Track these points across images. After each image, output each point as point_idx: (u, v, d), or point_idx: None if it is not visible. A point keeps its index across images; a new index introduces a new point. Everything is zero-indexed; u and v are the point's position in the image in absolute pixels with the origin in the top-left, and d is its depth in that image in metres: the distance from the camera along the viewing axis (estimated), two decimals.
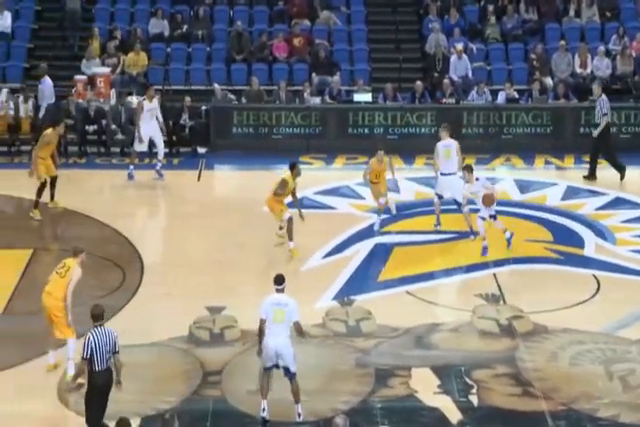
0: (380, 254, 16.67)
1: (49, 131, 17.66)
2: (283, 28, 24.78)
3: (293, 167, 16.28)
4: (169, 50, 24.31)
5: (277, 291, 11.81)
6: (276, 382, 11.93)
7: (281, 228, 16.56)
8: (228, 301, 14.78)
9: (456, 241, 16.91)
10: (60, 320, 12.60)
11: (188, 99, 22.01)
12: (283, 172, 16.57)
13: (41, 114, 21.52)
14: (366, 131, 22.15)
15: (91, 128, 21.62)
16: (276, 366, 11.75)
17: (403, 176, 20.03)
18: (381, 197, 17.13)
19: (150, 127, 19.71)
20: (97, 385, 10.90)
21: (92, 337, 10.86)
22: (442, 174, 17.34)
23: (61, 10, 24.82)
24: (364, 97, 22.64)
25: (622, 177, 20.13)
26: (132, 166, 19.76)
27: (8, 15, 24.12)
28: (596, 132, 20.13)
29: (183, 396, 12.45)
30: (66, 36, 24.56)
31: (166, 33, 24.49)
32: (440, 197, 17.35)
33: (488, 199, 16.09)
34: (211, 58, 24.38)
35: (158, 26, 24.52)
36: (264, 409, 11.71)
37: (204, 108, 22.22)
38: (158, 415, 11.69)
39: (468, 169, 16.29)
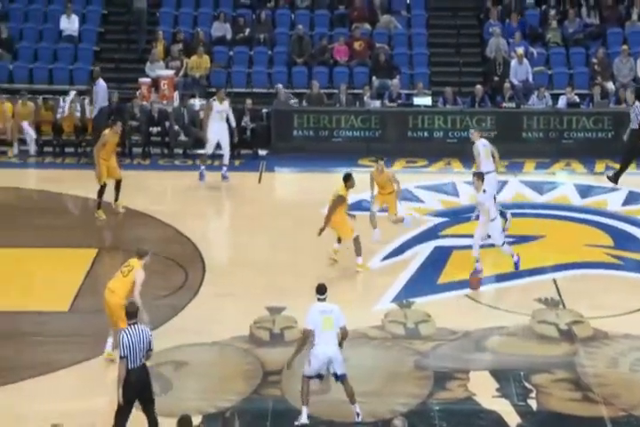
0: (439, 258, 16.62)
1: (106, 131, 17.77)
2: (343, 32, 24.84)
3: (348, 179, 16.02)
4: (231, 53, 24.47)
5: (320, 300, 11.80)
6: (332, 380, 11.98)
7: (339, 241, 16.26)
8: (288, 301, 14.82)
9: (515, 245, 16.81)
10: (120, 317, 12.78)
11: (249, 101, 22.16)
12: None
13: (93, 115, 21.60)
14: (426, 134, 22.11)
15: (154, 130, 21.84)
16: (320, 376, 11.74)
17: (462, 180, 20.04)
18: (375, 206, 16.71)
19: (219, 129, 19.83)
20: (131, 382, 10.94)
21: (125, 336, 10.91)
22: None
23: (127, 13, 25.10)
24: (423, 100, 22.62)
25: (616, 178, 19.53)
26: (202, 167, 19.82)
27: (75, 19, 24.45)
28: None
29: (244, 395, 12.51)
30: (131, 39, 24.83)
31: (229, 36, 24.65)
32: None
33: (473, 282, 15.28)
34: (272, 61, 24.50)
35: (221, 29, 24.70)
36: (306, 416, 11.66)
37: (265, 110, 22.34)
38: (219, 413, 11.82)
39: (479, 176, 15.66)
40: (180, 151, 21.89)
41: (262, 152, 21.93)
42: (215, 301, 14.98)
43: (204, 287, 15.46)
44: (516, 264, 15.70)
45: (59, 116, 21.80)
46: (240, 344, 13.74)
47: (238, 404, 12.26)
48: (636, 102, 20.20)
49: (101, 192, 17.73)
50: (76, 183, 18.98)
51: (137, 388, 10.95)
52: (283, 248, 16.89)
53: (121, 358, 10.89)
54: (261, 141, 22.03)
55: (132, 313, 11.12)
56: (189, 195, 19.61)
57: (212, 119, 19.76)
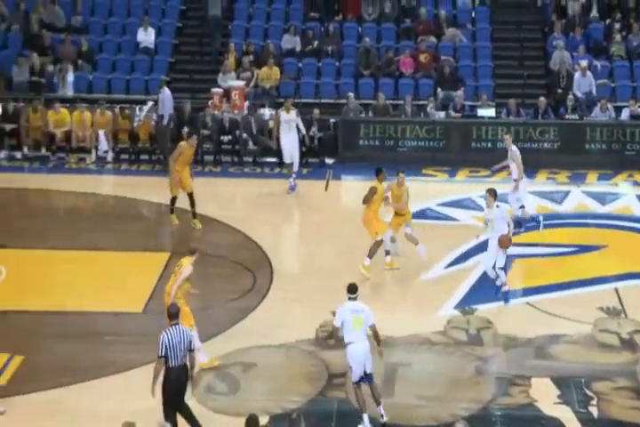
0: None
1: (183, 142, 17.77)
2: (409, 45, 24.79)
3: (379, 173, 16.11)
4: (300, 64, 24.55)
5: (350, 299, 11.80)
6: (396, 384, 11.92)
7: (387, 253, 16.21)
8: None
9: (577, 254, 16.60)
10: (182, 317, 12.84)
11: (317, 111, 22.20)
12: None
13: (164, 122, 21.72)
14: (489, 145, 21.94)
15: (225, 138, 21.98)
16: (365, 375, 11.64)
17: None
18: (407, 227, 16.23)
19: (288, 139, 19.90)
20: (171, 380, 11.01)
21: (166, 336, 10.99)
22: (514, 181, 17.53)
23: (201, 26, 25.32)
24: (487, 112, 22.47)
25: None
26: (292, 177, 19.79)
27: (152, 31, 24.72)
28: None
29: (309, 396, 12.52)
30: (204, 51, 25.02)
31: (298, 48, 24.74)
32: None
33: (504, 242, 14.78)
34: (340, 72, 24.52)
35: (291, 42, 24.80)
36: (368, 421, 11.57)
37: (332, 120, 22.37)
38: (285, 414, 11.81)
39: (492, 193, 15.17)
40: (250, 159, 21.97)
41: (329, 161, 21.95)
42: (282, 304, 15.00)
43: (271, 291, 15.49)
44: (506, 295, 14.92)
45: (135, 124, 22.03)
46: (306, 347, 13.74)
47: (304, 405, 12.26)
48: None
49: (173, 201, 17.77)
50: (151, 189, 19.15)
51: (177, 386, 11.04)
52: (348, 255, 16.86)
53: (159, 357, 10.98)
54: (328, 150, 22.05)
55: (173, 314, 11.21)
56: (258, 201, 19.68)
57: (282, 129, 19.83)
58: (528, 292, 15.38)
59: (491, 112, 22.52)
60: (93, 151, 21.82)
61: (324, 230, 17.97)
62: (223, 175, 21.16)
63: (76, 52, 24.16)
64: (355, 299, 11.81)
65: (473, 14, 25.89)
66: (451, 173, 21.26)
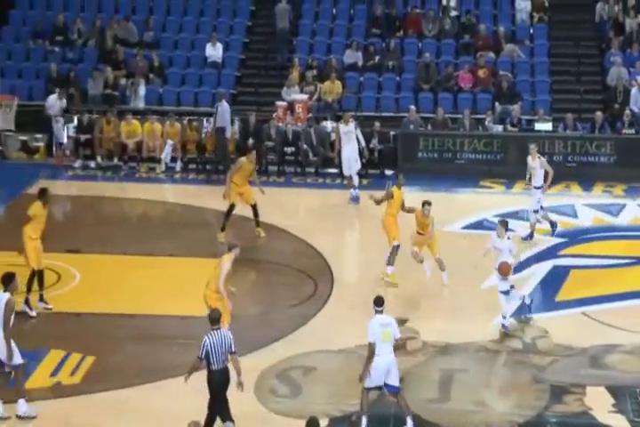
0: (558, 276, 16.35)
1: (242, 158, 17.80)
2: (468, 60, 24.72)
3: (397, 176, 16.48)
4: (362, 79, 24.60)
5: (378, 312, 11.68)
6: (452, 390, 11.85)
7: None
8: (411, 313, 14.81)
9: (633, 267, 16.39)
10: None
11: (377, 124, 22.24)
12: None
13: (228, 134, 21.79)
14: (546, 158, 21.67)
15: (288, 150, 22.08)
16: (379, 387, 11.63)
17: (581, 202, 19.71)
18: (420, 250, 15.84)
19: (346, 150, 19.96)
20: (213, 381, 11.11)
21: (207, 339, 11.08)
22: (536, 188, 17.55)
23: (267, 42, 25.51)
24: (544, 126, 22.35)
25: None
26: (353, 190, 19.79)
27: (220, 46, 24.96)
28: None
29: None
30: (269, 65, 25.19)
31: (360, 63, 24.80)
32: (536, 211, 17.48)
33: (504, 269, 14.26)
34: (400, 87, 24.53)
35: (353, 57, 24.87)
36: (366, 425, 11.59)
37: (392, 133, 22.38)
38: (345, 417, 11.82)
39: (503, 224, 14.72)
40: (312, 170, 22.04)
41: (389, 172, 21.92)
42: (342, 311, 15.03)
43: (332, 298, 15.53)
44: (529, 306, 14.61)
45: (203, 136, 22.23)
46: (364, 352, 13.68)
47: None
48: None
49: (229, 214, 17.60)
50: (217, 199, 19.16)
51: (218, 387, 11.11)
52: (406, 263, 16.83)
53: (199, 358, 11.08)
54: (388, 162, 22.05)
55: (214, 319, 11.28)
56: (320, 211, 19.73)
57: (342, 141, 19.92)
58: (584, 302, 15.22)
59: (548, 126, 22.39)
60: (163, 161, 22.05)
61: (383, 240, 17.90)
62: (286, 185, 21.25)
63: (148, 67, 24.48)
64: (381, 312, 11.71)
65: (531, 31, 25.73)
66: (507, 185, 21.12)
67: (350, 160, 19.99)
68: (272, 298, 15.44)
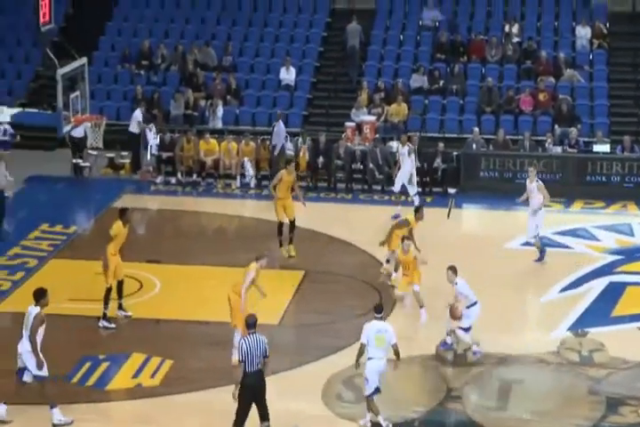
0: (614, 292, 16.12)
1: (282, 170, 17.82)
2: (529, 84, 24.57)
3: (418, 210, 16.48)
4: (427, 101, 24.59)
5: (376, 318, 11.89)
6: (510, 400, 11.74)
7: (387, 261, 16.54)
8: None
9: None
10: (234, 312, 13.34)
11: (441, 144, 22.19)
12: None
13: (275, 153, 21.95)
14: (604, 179, 21.51)
15: (356, 168, 22.11)
16: (378, 389, 11.75)
17: (637, 221, 19.45)
18: (415, 286, 15.24)
19: (404, 170, 19.99)
20: (247, 384, 11.12)
21: (244, 343, 11.17)
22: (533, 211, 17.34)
23: (336, 66, 25.66)
24: (602, 147, 22.11)
25: None
26: (397, 207, 19.86)
27: (293, 70, 25.17)
28: None
29: (428, 407, 12.49)
30: (339, 88, 25.31)
31: (425, 87, 24.79)
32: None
33: (454, 312, 13.82)
34: (463, 109, 24.46)
35: (419, 80, 24.87)
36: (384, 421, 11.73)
37: (455, 153, 22.31)
38: (406, 423, 11.81)
39: (452, 269, 14.10)
40: (379, 187, 22.05)
41: (451, 190, 21.86)
42: (405, 322, 14.98)
43: (395, 309, 15.47)
44: (475, 353, 13.77)
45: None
46: (426, 362, 13.70)
47: (424, 415, 12.22)
48: None
49: (279, 229, 17.54)
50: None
51: (253, 390, 11.11)
52: (467, 275, 16.70)
53: (240, 362, 11.15)
54: (451, 181, 21.97)
55: (250, 324, 11.38)
56: (385, 226, 19.60)
57: (401, 161, 19.99)
58: (639, 317, 14.97)
59: (606, 148, 22.14)
60: (238, 178, 22.27)
61: (444, 254, 17.80)
62: (354, 202, 21.27)
63: (226, 89, 24.76)
64: (380, 319, 11.90)
65: (591, 57, 25.48)
66: (566, 203, 20.92)
67: (402, 179, 19.97)
68: (338, 308, 15.45)
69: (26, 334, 11.88)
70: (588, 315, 15.22)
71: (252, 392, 11.12)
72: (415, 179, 20.16)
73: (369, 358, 11.82)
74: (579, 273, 16.81)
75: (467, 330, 13.76)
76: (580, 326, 14.79)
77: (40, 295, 12.11)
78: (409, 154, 20.11)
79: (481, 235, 19.42)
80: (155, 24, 27.02)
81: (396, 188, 20.22)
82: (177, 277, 16.58)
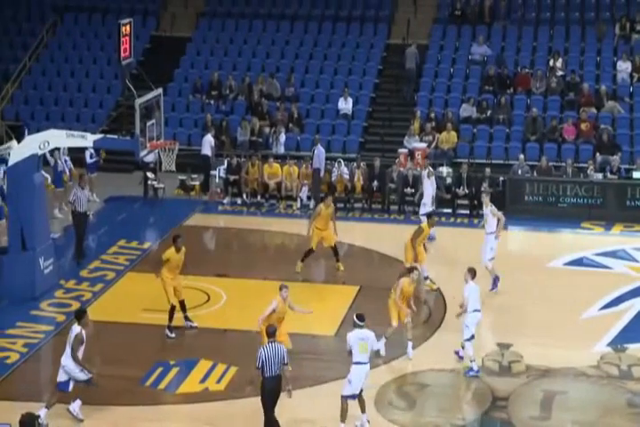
0: None
1: (320, 205, 17.76)
2: (572, 115, 24.38)
3: (430, 217, 16.76)
4: (475, 130, 24.53)
5: (358, 326, 11.97)
6: (553, 411, 11.59)
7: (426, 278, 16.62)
8: (515, 339, 14.62)
9: None
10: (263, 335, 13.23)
11: (488, 170, 22.09)
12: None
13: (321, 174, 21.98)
14: None
15: (408, 191, 22.11)
16: (354, 396, 11.77)
17: None
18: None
19: (426, 193, 20.04)
20: (266, 389, 11.34)
21: (262, 351, 11.40)
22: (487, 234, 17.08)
23: (391, 96, 25.74)
24: None
25: None
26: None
27: (350, 100, 25.31)
28: None
29: (475, 415, 12.41)
30: (393, 117, 25.37)
31: (474, 116, 24.75)
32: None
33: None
34: (509, 138, 24.35)
35: (467, 110, 24.84)
36: None
37: (501, 178, 22.17)
38: None
39: (471, 272, 13.95)
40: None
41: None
42: (454, 335, 14.87)
43: (444, 323, 15.41)
44: (470, 370, 13.37)
45: (333, 178, 22.49)
46: (472, 373, 13.59)
47: (470, 423, 12.14)
48: None
49: (307, 253, 17.44)
50: (344, 232, 19.20)
51: (272, 393, 11.32)
52: (512, 292, 16.63)
53: (257, 368, 11.38)
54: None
55: (270, 333, 11.66)
56: (434, 245, 19.58)
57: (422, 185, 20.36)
58: None
59: None
60: (299, 199, 22.39)
61: (484, 270, 17.76)
62: (406, 222, 21.15)
63: (288, 117, 24.96)
64: (362, 327, 11.93)
65: (631, 89, 25.23)
66: (606, 226, 20.67)
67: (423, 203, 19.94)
68: (388, 322, 15.39)
69: (68, 349, 12.03)
70: (627, 331, 15.00)
71: (272, 395, 11.37)
72: (431, 200, 19.96)
73: (355, 363, 11.88)
74: (618, 292, 16.57)
75: (469, 340, 13.53)
76: (619, 341, 14.59)
77: (81, 315, 12.21)
78: (428, 177, 20.05)
79: (525, 254, 19.28)
80: (224, 58, 27.39)
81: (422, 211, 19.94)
82: (242, 290, 16.70)
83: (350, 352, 11.92)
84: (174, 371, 13.60)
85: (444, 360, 13.92)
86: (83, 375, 12.04)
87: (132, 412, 12.45)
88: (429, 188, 20.10)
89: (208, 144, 22.88)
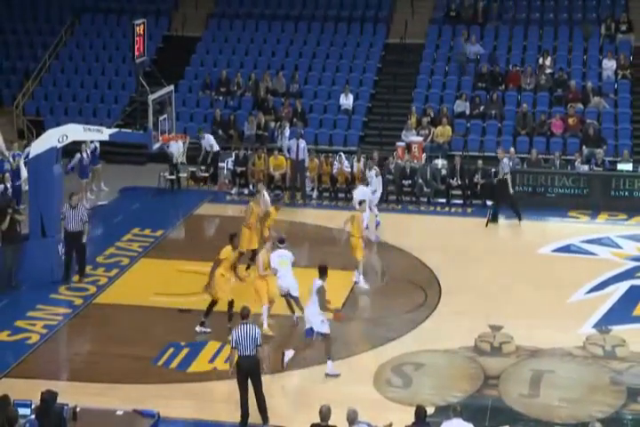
0: (635, 294, 15.80)
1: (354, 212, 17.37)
2: (560, 110, 24.26)
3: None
4: (468, 125, 24.42)
5: (280, 248, 13.91)
6: (541, 388, 11.56)
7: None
8: (506, 322, 14.57)
9: None
10: (219, 287, 14.04)
11: (480, 162, 21.96)
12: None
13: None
14: (626, 194, 21.09)
15: (405, 182, 22.03)
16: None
17: None
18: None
19: (377, 193, 19.80)
20: (240, 367, 11.28)
21: (235, 331, 11.31)
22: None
23: (389, 93, 25.62)
24: (626, 166, 21.71)
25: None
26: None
27: (351, 97, 25.19)
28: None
29: (468, 393, 12.38)
30: (391, 112, 25.26)
31: (467, 112, 24.64)
32: None
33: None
34: (501, 132, 24.25)
35: (461, 106, 24.73)
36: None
37: (493, 170, 22.02)
38: (448, 406, 11.68)
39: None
40: (425, 200, 21.92)
41: (489, 203, 21.63)
42: (448, 318, 14.89)
43: (439, 306, 15.38)
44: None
45: (335, 170, 22.40)
46: (466, 353, 13.59)
47: (464, 400, 12.11)
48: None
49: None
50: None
51: (245, 372, 11.24)
52: (502, 278, 16.61)
53: (232, 348, 11.32)
54: (489, 194, 21.75)
55: (244, 315, 11.54)
56: (430, 233, 19.60)
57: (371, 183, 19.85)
58: None
59: (629, 166, 21.74)
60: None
61: (483, 257, 17.75)
62: (403, 212, 21.16)
63: (292, 113, 24.86)
64: (284, 248, 14.09)
65: (616, 86, 25.10)
66: (592, 215, 20.59)
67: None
68: (388, 305, 15.40)
69: (312, 299, 12.61)
70: (612, 314, 14.95)
71: (244, 373, 11.29)
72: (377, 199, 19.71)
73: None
74: (604, 277, 16.52)
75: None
76: (604, 323, 14.54)
77: (324, 271, 12.93)
78: (376, 176, 19.86)
79: (516, 242, 19.22)
80: (232, 56, 27.27)
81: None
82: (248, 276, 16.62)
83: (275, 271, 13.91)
84: (185, 351, 13.57)
85: (438, 341, 13.89)
86: (324, 327, 12.49)
87: (144, 389, 12.43)
88: (380, 187, 19.88)
89: (208, 144, 22.78)
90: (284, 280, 14.10)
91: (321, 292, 12.63)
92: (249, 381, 11.37)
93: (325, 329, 12.57)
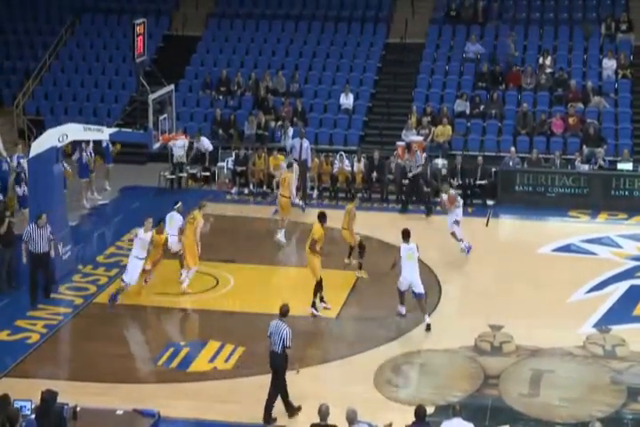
0: (635, 294, 15.80)
1: (350, 206, 17.46)
2: (560, 110, 24.23)
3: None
4: (468, 124, 24.38)
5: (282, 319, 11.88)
6: (541, 388, 11.55)
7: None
8: (506, 321, 14.56)
9: None
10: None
11: (480, 158, 21.97)
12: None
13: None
14: (626, 193, 21.09)
15: (405, 182, 22.00)
16: None
17: None
18: None
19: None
20: (272, 365, 11.50)
21: (270, 325, 11.58)
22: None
23: (390, 92, 25.60)
24: (626, 166, 21.70)
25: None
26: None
27: (351, 96, 25.17)
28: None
29: (468, 392, 12.38)
30: (392, 112, 25.25)
31: (467, 111, 24.62)
32: None
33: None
34: (501, 131, 24.22)
35: (461, 105, 24.71)
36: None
37: (493, 169, 22.07)
38: (448, 406, 11.69)
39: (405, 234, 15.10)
40: (425, 198, 21.87)
41: (490, 202, 21.65)
42: (448, 317, 14.88)
43: (439, 306, 15.35)
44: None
45: (335, 169, 22.40)
46: (466, 353, 13.60)
47: (464, 399, 12.11)
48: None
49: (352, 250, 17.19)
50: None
51: (270, 367, 11.48)
52: (503, 278, 16.60)
53: (287, 348, 11.43)
54: (489, 193, 21.76)
55: (283, 313, 11.67)
56: (430, 232, 19.55)
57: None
58: None
59: (629, 166, 21.74)
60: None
61: (484, 258, 17.74)
62: (403, 211, 21.17)
63: (293, 112, 24.84)
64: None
65: (616, 85, 25.06)
66: (592, 215, 20.59)
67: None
68: (389, 305, 15.38)
69: (409, 264, 14.11)
70: (612, 314, 14.95)
71: (276, 371, 11.48)
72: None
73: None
74: (603, 276, 16.52)
75: None
76: (603, 323, 14.54)
77: (408, 234, 14.61)
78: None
79: (516, 241, 19.20)
80: (232, 56, 27.25)
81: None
82: (248, 274, 16.65)
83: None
84: (185, 351, 13.58)
85: (438, 341, 13.89)
86: (421, 287, 14.08)
87: (144, 389, 12.43)
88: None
89: (203, 148, 22.80)
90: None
91: (413, 250, 14.45)
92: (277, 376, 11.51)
93: (420, 289, 14.11)
